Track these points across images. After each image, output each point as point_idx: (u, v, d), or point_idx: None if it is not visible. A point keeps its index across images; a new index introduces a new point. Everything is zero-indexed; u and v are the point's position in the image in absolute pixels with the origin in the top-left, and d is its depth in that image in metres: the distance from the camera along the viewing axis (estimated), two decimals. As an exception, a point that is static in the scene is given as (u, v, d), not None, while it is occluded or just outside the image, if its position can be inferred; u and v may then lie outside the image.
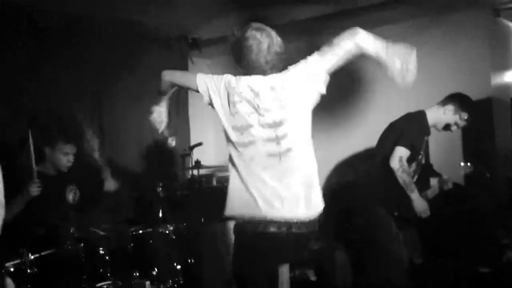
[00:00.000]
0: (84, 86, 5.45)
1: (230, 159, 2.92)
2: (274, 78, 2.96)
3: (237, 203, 2.87)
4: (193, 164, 5.71)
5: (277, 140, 2.86)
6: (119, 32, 5.66)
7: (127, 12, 5.34)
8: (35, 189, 3.96)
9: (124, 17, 5.46)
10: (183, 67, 6.67)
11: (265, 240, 2.82)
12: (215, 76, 3.02)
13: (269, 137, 2.85)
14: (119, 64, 5.75)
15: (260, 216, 2.80)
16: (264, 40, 2.99)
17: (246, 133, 2.86)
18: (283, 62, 3.04)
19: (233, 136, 2.88)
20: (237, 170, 2.88)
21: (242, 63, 2.99)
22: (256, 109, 2.87)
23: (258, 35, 3.00)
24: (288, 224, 2.81)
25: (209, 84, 2.99)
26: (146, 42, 6.09)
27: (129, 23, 5.64)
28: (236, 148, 2.88)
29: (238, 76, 2.98)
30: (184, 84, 3.22)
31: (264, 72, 2.95)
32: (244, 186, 2.85)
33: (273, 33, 3.06)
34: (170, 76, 3.26)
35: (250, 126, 2.86)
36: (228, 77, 2.98)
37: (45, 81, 5.03)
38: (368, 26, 5.62)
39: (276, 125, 2.87)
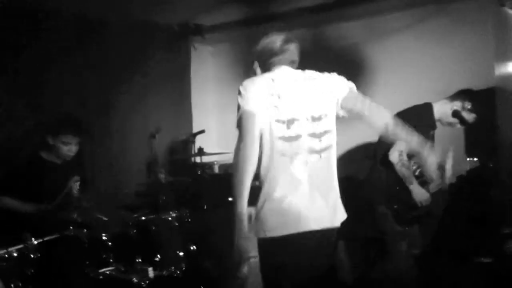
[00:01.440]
0: (88, 79, 5.46)
1: (268, 164, 2.81)
2: (310, 73, 3.01)
3: (276, 221, 2.78)
4: (196, 151, 5.72)
5: (319, 136, 2.87)
6: (119, 22, 5.64)
7: (126, 2, 5.32)
8: None
9: (124, 6, 5.45)
10: (186, 54, 6.67)
11: (299, 252, 2.79)
12: (252, 95, 2.83)
13: (312, 132, 2.85)
14: (121, 54, 5.74)
15: (297, 230, 2.78)
16: (295, 52, 3.06)
17: (293, 127, 2.82)
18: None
19: (279, 130, 2.80)
20: (273, 176, 2.79)
21: (269, 67, 3.02)
22: (300, 99, 2.86)
23: (292, 47, 3.04)
24: (321, 233, 2.83)
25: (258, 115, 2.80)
26: (147, 30, 6.07)
27: (129, 11, 5.63)
28: (280, 143, 2.79)
29: (276, 70, 2.98)
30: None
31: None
32: (281, 197, 2.77)
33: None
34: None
35: (296, 119, 2.83)
36: (266, 77, 2.93)
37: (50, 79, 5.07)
38: (372, 15, 5.72)
39: (318, 119, 2.88)
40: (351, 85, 3.04)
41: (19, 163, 4.29)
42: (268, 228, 2.79)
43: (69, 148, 4.30)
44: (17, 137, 4.76)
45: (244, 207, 2.73)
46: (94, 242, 3.99)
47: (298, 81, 2.93)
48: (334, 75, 3.04)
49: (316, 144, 2.85)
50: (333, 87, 2.98)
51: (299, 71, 3.02)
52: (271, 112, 2.80)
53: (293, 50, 3.04)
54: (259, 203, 2.82)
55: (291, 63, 3.03)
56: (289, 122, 2.81)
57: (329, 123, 2.91)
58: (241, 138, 2.77)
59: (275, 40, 3.04)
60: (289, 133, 2.81)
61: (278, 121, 2.80)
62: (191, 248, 4.40)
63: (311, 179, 2.83)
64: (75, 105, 5.27)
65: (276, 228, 2.78)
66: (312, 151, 2.84)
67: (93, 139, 5.27)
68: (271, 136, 2.79)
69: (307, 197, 2.81)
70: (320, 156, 2.86)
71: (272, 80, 2.88)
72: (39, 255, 3.54)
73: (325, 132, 2.88)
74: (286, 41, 3.03)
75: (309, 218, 2.79)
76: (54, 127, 4.28)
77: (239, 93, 2.83)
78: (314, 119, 2.86)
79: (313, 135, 2.85)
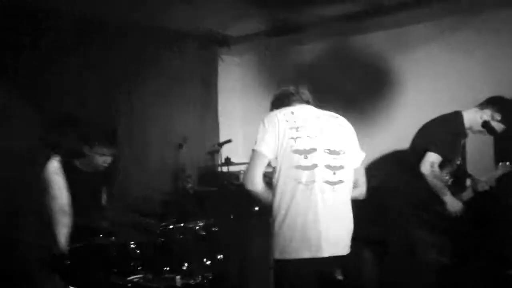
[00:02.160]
0: (117, 86, 5.53)
1: (283, 191, 3.00)
2: (331, 113, 3.25)
3: (289, 244, 2.95)
4: (223, 161, 5.74)
5: (334, 169, 3.05)
6: (148, 32, 5.71)
7: (156, 12, 5.39)
8: None
9: (153, 17, 5.52)
10: (213, 65, 6.71)
11: (310, 276, 2.99)
12: (270, 126, 3.07)
13: (328, 164, 3.04)
14: (150, 64, 5.81)
15: (308, 256, 2.95)
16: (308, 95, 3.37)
17: (310, 156, 3.00)
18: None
19: (296, 160, 2.98)
20: (290, 202, 2.97)
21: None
22: (320, 132, 3.07)
23: (305, 90, 3.37)
24: (332, 260, 2.99)
25: (273, 144, 3.05)
26: (176, 41, 6.14)
27: (158, 22, 5.70)
28: (298, 172, 2.97)
29: (297, 106, 3.22)
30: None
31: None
32: (295, 223, 2.95)
33: None
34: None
35: (314, 149, 3.02)
36: (287, 110, 3.14)
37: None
38: (399, 25, 5.70)
39: (336, 153, 3.08)
40: (363, 155, 3.28)
41: None
42: (284, 250, 2.97)
43: (104, 159, 4.36)
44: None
45: None
46: (122, 250, 4.03)
47: (319, 116, 3.16)
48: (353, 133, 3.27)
49: (330, 176, 3.03)
50: (353, 138, 3.24)
51: (321, 110, 3.25)
52: (290, 144, 3.01)
53: (306, 92, 3.36)
54: (276, 228, 3.01)
55: (307, 102, 3.31)
56: (307, 152, 3.00)
57: (345, 161, 3.11)
58: (247, 168, 3.10)
59: (289, 87, 3.37)
60: (306, 163, 3.00)
61: (296, 151, 3.00)
62: (218, 257, 4.41)
63: (327, 208, 2.99)
64: (104, 114, 5.33)
65: (295, 251, 2.95)
66: (326, 182, 3.01)
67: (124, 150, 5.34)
68: (290, 165, 3.00)
69: (323, 224, 2.96)
70: (333, 188, 3.03)
71: (292, 113, 3.11)
72: (67, 263, 3.58)
73: (340, 167, 3.07)
74: (298, 86, 3.36)
75: (321, 245, 2.95)
76: (93, 139, 4.34)
77: (261, 125, 3.08)
78: (331, 152, 3.07)
79: (328, 167, 3.03)
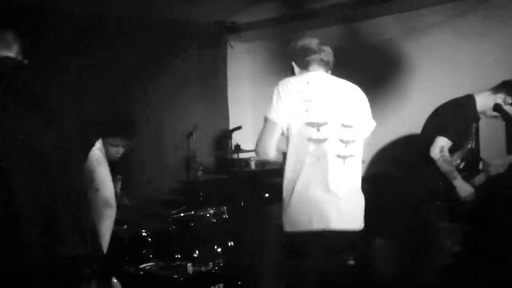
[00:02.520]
0: (127, 75, 5.53)
1: (295, 164, 3.00)
2: (346, 83, 3.23)
3: (300, 216, 2.97)
4: (233, 148, 5.75)
5: (346, 143, 3.05)
6: (157, 22, 5.70)
7: (163, 1, 5.38)
8: None
9: (161, 6, 5.50)
10: (222, 51, 6.70)
11: (319, 246, 3.00)
12: (285, 96, 3.04)
13: (340, 138, 3.03)
14: (159, 53, 5.80)
15: (319, 227, 2.96)
16: (330, 54, 3.28)
17: (322, 129, 2.98)
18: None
19: (308, 132, 2.97)
20: (301, 174, 2.97)
21: (306, 65, 3.22)
22: (333, 105, 3.04)
23: (327, 48, 3.27)
24: (343, 234, 3.01)
25: (285, 115, 3.02)
26: (184, 29, 6.13)
27: (166, 11, 5.69)
28: (310, 145, 2.97)
29: (312, 71, 3.18)
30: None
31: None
32: (306, 194, 2.96)
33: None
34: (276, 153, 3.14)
35: (326, 123, 3.00)
36: (302, 79, 3.10)
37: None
38: (409, 9, 5.64)
39: (348, 126, 3.07)
40: (373, 125, 3.28)
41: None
42: (293, 223, 2.98)
43: (117, 150, 4.37)
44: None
45: None
46: (134, 239, 4.06)
47: (334, 87, 3.13)
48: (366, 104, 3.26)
49: (342, 149, 3.03)
50: (366, 110, 3.24)
51: (335, 77, 3.22)
52: (303, 116, 2.98)
53: (328, 51, 3.25)
54: (286, 201, 3.01)
55: (326, 64, 3.23)
56: (319, 125, 2.98)
57: (357, 134, 3.11)
58: (259, 137, 3.09)
59: (311, 40, 3.25)
60: (318, 136, 2.98)
61: (308, 124, 2.98)
62: (229, 244, 4.44)
63: (337, 182, 2.99)
64: (114, 103, 5.34)
65: (305, 224, 2.96)
66: (338, 156, 3.01)
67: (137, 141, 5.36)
68: (301, 137, 2.98)
69: (334, 197, 2.97)
70: (344, 161, 3.03)
71: (307, 83, 3.05)
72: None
73: (352, 141, 3.06)
74: (321, 43, 3.25)
75: (337, 216, 2.96)
76: (105, 129, 4.36)
77: (275, 91, 3.04)
78: (344, 125, 3.05)
79: (341, 140, 3.03)
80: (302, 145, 2.98)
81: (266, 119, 3.04)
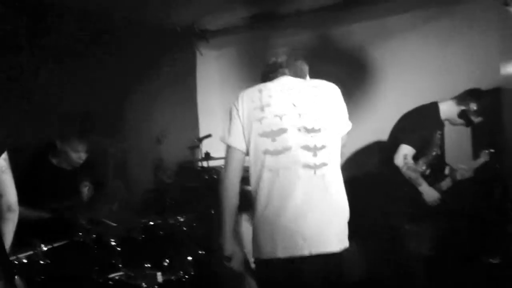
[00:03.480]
0: (94, 82, 5.47)
1: (256, 181, 2.65)
2: (312, 82, 2.84)
3: (270, 243, 2.58)
4: (203, 156, 5.72)
5: (314, 150, 2.62)
6: (125, 27, 5.66)
7: (132, 6, 5.34)
8: None
9: (129, 11, 5.47)
10: (191, 59, 6.67)
11: (296, 277, 2.59)
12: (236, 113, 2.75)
13: (305, 145, 2.61)
14: (126, 59, 5.75)
15: (291, 254, 2.56)
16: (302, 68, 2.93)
17: (279, 139, 2.61)
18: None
19: (263, 144, 2.62)
20: (262, 194, 2.61)
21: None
22: (291, 108, 2.65)
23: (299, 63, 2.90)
24: (316, 258, 2.57)
25: (242, 132, 2.71)
26: (153, 35, 6.09)
27: (134, 16, 5.65)
28: (267, 158, 2.61)
29: (267, 83, 2.82)
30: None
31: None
32: (267, 216, 2.58)
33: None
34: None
35: (283, 130, 2.62)
36: (255, 88, 2.78)
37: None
38: (377, 16, 5.72)
39: (314, 131, 2.64)
40: (349, 125, 2.90)
41: (28, 169, 4.29)
42: (259, 250, 2.64)
43: (78, 155, 4.31)
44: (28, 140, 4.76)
45: (229, 243, 2.75)
46: (103, 248, 4.01)
47: (291, 88, 2.73)
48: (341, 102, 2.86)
49: (310, 158, 2.59)
50: (339, 108, 2.82)
51: (299, 79, 2.83)
52: (255, 127, 2.64)
53: (300, 65, 2.89)
54: (254, 221, 2.67)
55: (291, 68, 2.85)
56: (275, 134, 2.61)
57: (328, 138, 2.67)
58: (224, 169, 2.75)
59: (279, 56, 2.88)
60: (275, 146, 2.60)
61: (262, 135, 2.63)
62: (199, 252, 4.40)
63: (306, 197, 2.57)
64: (81, 108, 5.27)
65: (270, 251, 2.59)
66: (306, 166, 2.59)
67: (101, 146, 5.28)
68: (257, 151, 2.63)
69: (302, 217, 2.56)
70: (315, 173, 2.59)
71: (259, 91, 2.73)
72: (48, 261, 3.55)
73: (322, 147, 2.63)
74: (293, 56, 2.88)
75: (303, 241, 2.54)
76: (67, 134, 4.30)
77: (229, 112, 2.77)
78: (308, 130, 2.63)
79: (306, 148, 2.60)
80: (258, 159, 2.61)
81: (226, 146, 2.73)
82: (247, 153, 2.70)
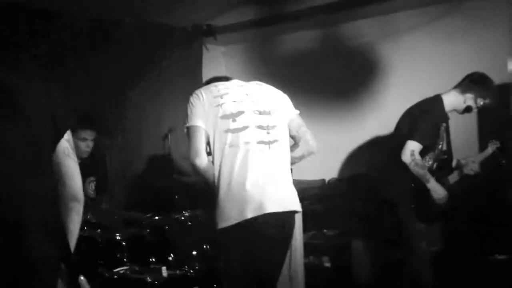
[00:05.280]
0: (101, 78, 5.49)
1: (219, 158, 2.98)
2: (255, 82, 3.31)
3: (234, 209, 2.90)
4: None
5: (267, 129, 3.05)
6: (133, 24, 5.67)
7: (139, 3, 5.35)
8: None
9: (137, 8, 5.48)
10: (198, 54, 6.68)
11: (256, 236, 2.93)
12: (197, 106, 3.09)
13: (260, 125, 3.04)
14: (134, 55, 5.77)
15: (253, 215, 2.89)
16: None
17: (238, 119, 3.01)
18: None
19: (225, 124, 2.99)
20: (225, 167, 2.95)
21: None
22: (245, 96, 3.10)
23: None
24: (277, 216, 2.94)
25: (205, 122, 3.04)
26: (160, 31, 6.10)
27: (142, 14, 5.66)
28: (228, 136, 2.97)
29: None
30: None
31: None
32: (231, 186, 2.92)
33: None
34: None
35: (241, 112, 3.04)
36: (206, 86, 3.21)
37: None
38: (384, 13, 5.71)
39: (265, 113, 3.09)
40: (297, 111, 3.27)
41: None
42: (227, 217, 2.92)
43: (87, 143, 4.32)
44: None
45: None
46: (109, 242, 4.02)
47: (242, 85, 3.21)
48: (283, 95, 3.29)
49: (264, 135, 3.02)
50: (282, 99, 3.25)
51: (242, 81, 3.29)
52: (217, 111, 3.01)
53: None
54: (218, 196, 2.96)
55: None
56: (235, 115, 3.02)
57: (277, 120, 3.10)
58: (189, 146, 3.05)
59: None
60: (236, 125, 3.00)
61: (223, 117, 3.01)
62: (205, 247, 4.41)
63: (263, 167, 2.96)
64: (88, 104, 5.28)
65: (235, 216, 2.90)
66: (261, 142, 3.00)
67: (108, 135, 5.30)
68: (220, 131, 2.99)
69: (261, 183, 2.92)
70: (269, 147, 3.01)
71: (215, 86, 3.16)
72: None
73: (273, 126, 3.07)
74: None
75: (264, 203, 2.89)
76: (74, 121, 4.29)
77: (188, 104, 3.11)
78: (261, 113, 3.07)
79: (260, 127, 3.04)
80: (221, 138, 2.98)
81: (187, 128, 3.07)
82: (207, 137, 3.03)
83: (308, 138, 3.21)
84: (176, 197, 5.10)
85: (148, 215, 4.40)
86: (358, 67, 6.00)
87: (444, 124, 4.16)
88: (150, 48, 5.96)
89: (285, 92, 3.34)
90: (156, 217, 4.39)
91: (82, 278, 2.12)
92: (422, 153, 4.03)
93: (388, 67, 5.83)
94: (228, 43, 7.01)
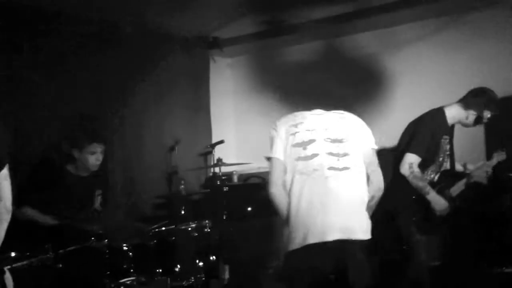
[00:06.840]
0: (107, 88, 5.52)
1: (290, 185, 3.11)
2: (338, 111, 3.40)
3: (297, 233, 3.04)
4: (215, 161, 5.76)
5: (338, 156, 3.12)
6: (140, 34, 5.71)
7: (147, 15, 5.40)
8: None
9: (144, 19, 5.52)
10: (204, 66, 6.72)
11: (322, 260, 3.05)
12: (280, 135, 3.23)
13: (330, 152, 3.13)
14: (141, 66, 5.81)
15: (319, 240, 3.00)
16: None
17: (309, 147, 3.12)
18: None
19: (296, 152, 3.12)
20: (294, 195, 3.07)
21: None
22: (319, 125, 3.20)
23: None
24: (340, 243, 3.02)
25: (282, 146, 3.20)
26: (167, 43, 6.14)
27: (149, 25, 5.71)
28: (299, 164, 3.10)
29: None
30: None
31: None
32: (299, 210, 3.04)
33: None
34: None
35: (312, 140, 3.15)
36: (289, 116, 3.33)
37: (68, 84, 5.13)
38: (386, 26, 5.74)
39: (337, 141, 3.17)
40: (374, 146, 3.34)
41: (46, 177, 4.31)
42: (293, 241, 3.05)
43: (96, 156, 4.35)
44: (41, 149, 4.80)
45: None
46: (115, 253, 4.05)
47: (323, 114, 3.31)
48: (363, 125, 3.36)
49: (334, 162, 3.10)
50: (360, 128, 3.32)
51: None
52: (290, 140, 3.16)
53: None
54: (289, 221, 3.08)
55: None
56: (306, 144, 3.13)
57: (350, 148, 3.17)
58: (269, 179, 3.18)
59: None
60: (306, 153, 3.11)
61: (295, 145, 3.14)
62: (211, 258, 4.43)
63: (330, 194, 3.04)
64: (93, 116, 5.30)
65: (299, 241, 3.02)
66: (331, 168, 3.08)
67: (113, 147, 5.33)
68: (291, 159, 3.12)
69: (326, 210, 3.01)
70: (339, 174, 3.08)
71: (294, 115, 3.30)
72: (60, 266, 3.60)
73: (345, 154, 3.14)
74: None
75: (325, 230, 3.00)
76: (81, 140, 4.32)
77: (273, 129, 3.26)
78: (332, 140, 3.16)
79: (331, 154, 3.12)
80: (292, 166, 3.10)
81: (268, 159, 3.21)
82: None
83: (373, 180, 3.27)
84: (183, 207, 5.11)
85: (155, 225, 4.42)
86: (362, 79, 6.03)
87: (446, 137, 4.17)
88: (155, 59, 5.99)
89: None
90: (163, 228, 4.41)
91: (7, 274, 2.58)
92: (424, 166, 4.04)
93: (390, 80, 5.85)
94: (233, 55, 7.06)
